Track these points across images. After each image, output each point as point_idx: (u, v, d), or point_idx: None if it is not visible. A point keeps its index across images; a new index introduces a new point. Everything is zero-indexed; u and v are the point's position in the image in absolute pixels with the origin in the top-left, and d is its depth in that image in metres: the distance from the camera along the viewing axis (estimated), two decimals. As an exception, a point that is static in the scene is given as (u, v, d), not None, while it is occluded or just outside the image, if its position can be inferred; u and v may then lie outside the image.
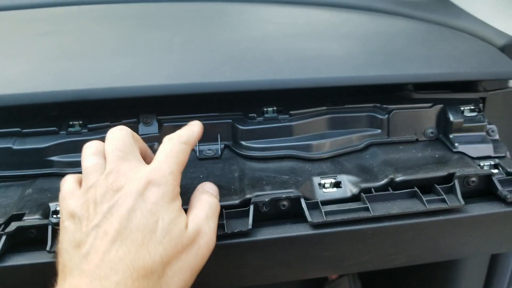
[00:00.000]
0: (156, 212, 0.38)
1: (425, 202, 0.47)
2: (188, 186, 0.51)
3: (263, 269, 0.52)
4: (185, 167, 0.45)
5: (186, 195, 0.49)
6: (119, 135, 0.44)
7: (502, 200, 0.49)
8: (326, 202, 0.49)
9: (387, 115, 0.57)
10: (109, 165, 0.42)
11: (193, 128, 0.48)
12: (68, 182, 0.44)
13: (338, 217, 0.47)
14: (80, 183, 0.44)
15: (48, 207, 0.48)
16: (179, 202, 0.42)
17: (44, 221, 0.46)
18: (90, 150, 0.45)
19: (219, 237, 0.45)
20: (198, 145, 0.57)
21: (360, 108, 0.58)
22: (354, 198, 0.50)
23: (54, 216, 0.47)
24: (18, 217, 0.47)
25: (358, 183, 0.51)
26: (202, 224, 0.41)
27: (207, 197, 0.45)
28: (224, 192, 0.50)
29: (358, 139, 0.57)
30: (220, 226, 0.46)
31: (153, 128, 0.57)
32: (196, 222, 0.41)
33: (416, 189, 0.49)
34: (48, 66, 0.57)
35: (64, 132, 0.56)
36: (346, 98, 0.60)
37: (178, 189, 0.42)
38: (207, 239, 0.41)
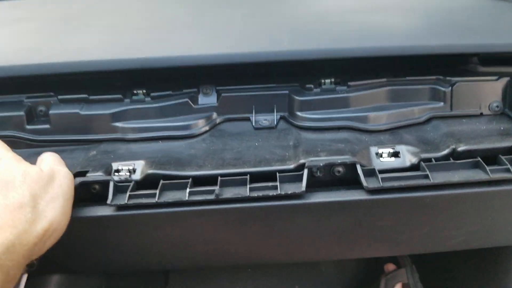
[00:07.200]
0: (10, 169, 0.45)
1: (489, 171, 0.45)
2: (244, 153, 0.52)
3: (313, 238, 0.51)
4: (240, 136, 0.51)
5: (241, 159, 0.50)
6: None
7: None
8: (383, 171, 0.48)
9: (450, 88, 0.55)
10: None
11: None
12: None
13: (395, 183, 0.46)
14: None
15: (111, 166, 0.50)
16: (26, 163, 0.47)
17: (107, 178, 0.48)
18: None
19: (272, 198, 0.46)
20: (254, 115, 0.58)
21: (422, 80, 0.57)
22: (413, 168, 0.49)
23: (116, 173, 0.49)
24: (82, 174, 0.50)
25: (417, 153, 0.49)
26: (53, 165, 0.48)
27: (49, 154, 0.51)
28: (278, 158, 0.50)
29: (419, 112, 0.56)
30: (273, 188, 0.46)
31: (212, 99, 0.59)
32: (48, 165, 0.48)
33: (479, 159, 0.47)
34: (115, 37, 0.60)
35: (128, 99, 0.58)
36: (407, 71, 0.58)
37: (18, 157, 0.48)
38: (64, 173, 0.47)
